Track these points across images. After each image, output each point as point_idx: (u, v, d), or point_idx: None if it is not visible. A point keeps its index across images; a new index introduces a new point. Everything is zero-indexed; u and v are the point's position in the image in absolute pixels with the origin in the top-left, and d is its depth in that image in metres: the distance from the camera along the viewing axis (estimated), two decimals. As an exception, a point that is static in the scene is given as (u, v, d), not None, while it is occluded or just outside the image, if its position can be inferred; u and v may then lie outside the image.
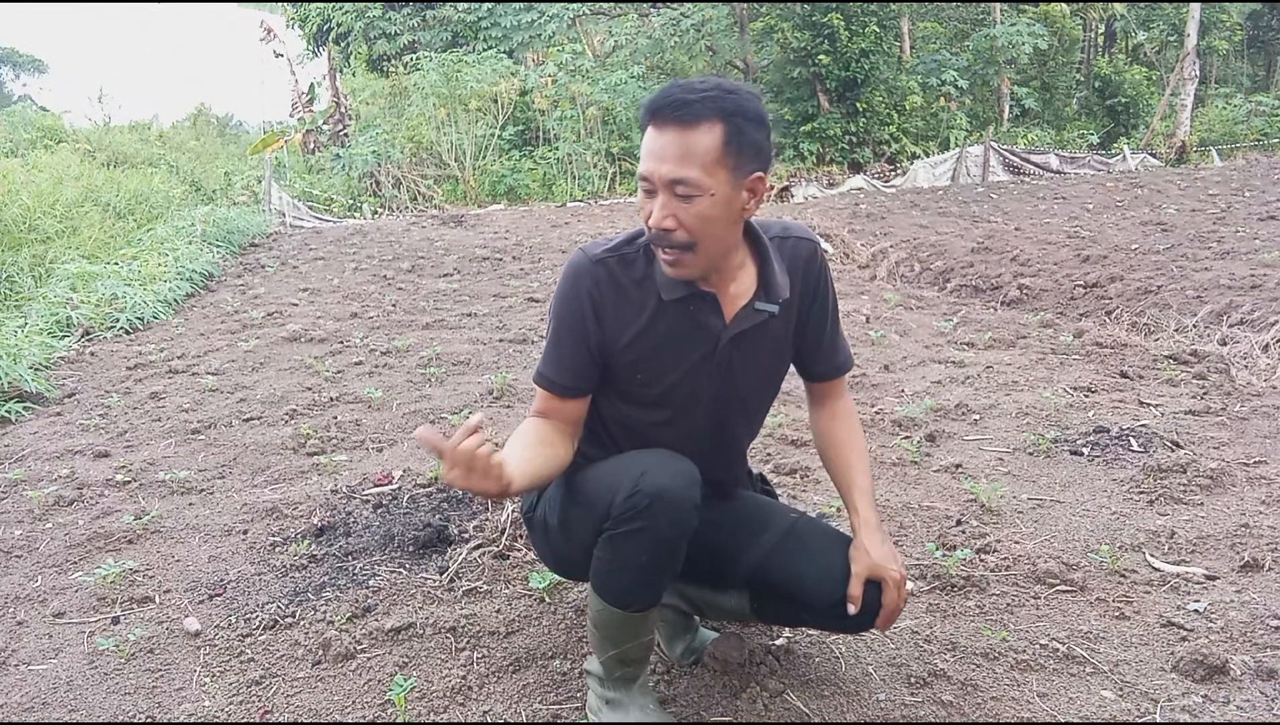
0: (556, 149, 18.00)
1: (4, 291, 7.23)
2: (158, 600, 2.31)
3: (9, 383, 4.31)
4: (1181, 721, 1.69)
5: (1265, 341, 4.80)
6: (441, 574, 2.35)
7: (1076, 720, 1.71)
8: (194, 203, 13.06)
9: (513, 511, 2.64)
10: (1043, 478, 2.96)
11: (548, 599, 2.20)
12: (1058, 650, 1.93)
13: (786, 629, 2.02)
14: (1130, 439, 3.20)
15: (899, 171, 17.32)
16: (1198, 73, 19.95)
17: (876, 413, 3.64)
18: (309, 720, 1.79)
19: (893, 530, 2.58)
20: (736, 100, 1.44)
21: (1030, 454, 3.17)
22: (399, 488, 2.99)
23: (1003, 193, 12.81)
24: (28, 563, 2.57)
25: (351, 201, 16.37)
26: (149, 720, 1.81)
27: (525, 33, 21.32)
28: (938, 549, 2.37)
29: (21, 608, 2.30)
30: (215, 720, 1.81)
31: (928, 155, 17.91)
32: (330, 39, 22.94)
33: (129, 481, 3.18)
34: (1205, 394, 3.82)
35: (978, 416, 3.61)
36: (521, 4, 21.57)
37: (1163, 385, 4.02)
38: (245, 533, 2.72)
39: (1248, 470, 2.90)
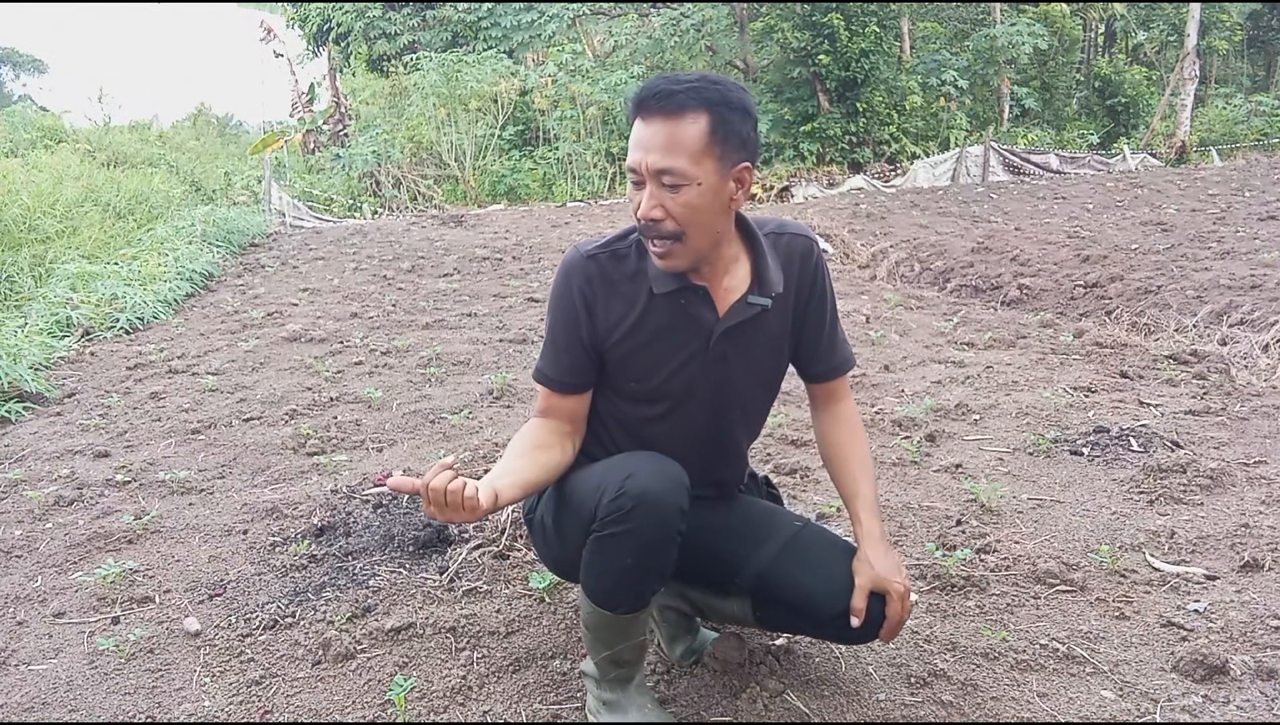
0: (556, 149, 18.00)
1: (4, 291, 7.23)
2: (158, 600, 2.31)
3: (9, 383, 4.31)
4: (1181, 721, 1.69)
5: (1265, 341, 4.80)
6: (441, 574, 2.35)
7: (1076, 720, 1.71)
8: (194, 203, 13.06)
9: (513, 511, 2.64)
10: (1043, 478, 2.96)
11: (548, 599, 2.20)
12: (1058, 650, 1.93)
13: (785, 632, 2.02)
14: (1130, 439, 3.20)
15: (899, 171, 17.32)
16: (1198, 73, 19.95)
17: (876, 413, 3.64)
18: (309, 720, 1.79)
19: (893, 530, 2.58)
20: (721, 91, 1.45)
21: (1030, 454, 3.17)
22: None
23: (1003, 193, 12.82)
24: (28, 563, 2.57)
25: (351, 201, 16.38)
26: (149, 720, 1.81)
27: (525, 33, 21.33)
28: (938, 549, 2.37)
29: (21, 608, 2.30)
30: (215, 720, 1.81)
31: (928, 155, 17.90)
32: (330, 39, 22.95)
33: (129, 481, 3.18)
34: (1205, 394, 3.82)
35: (978, 416, 3.61)
36: (521, 4, 21.57)
37: (1163, 385, 4.02)
38: (245, 533, 2.72)
39: (1248, 470, 2.90)
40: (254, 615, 2.20)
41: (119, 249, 8.64)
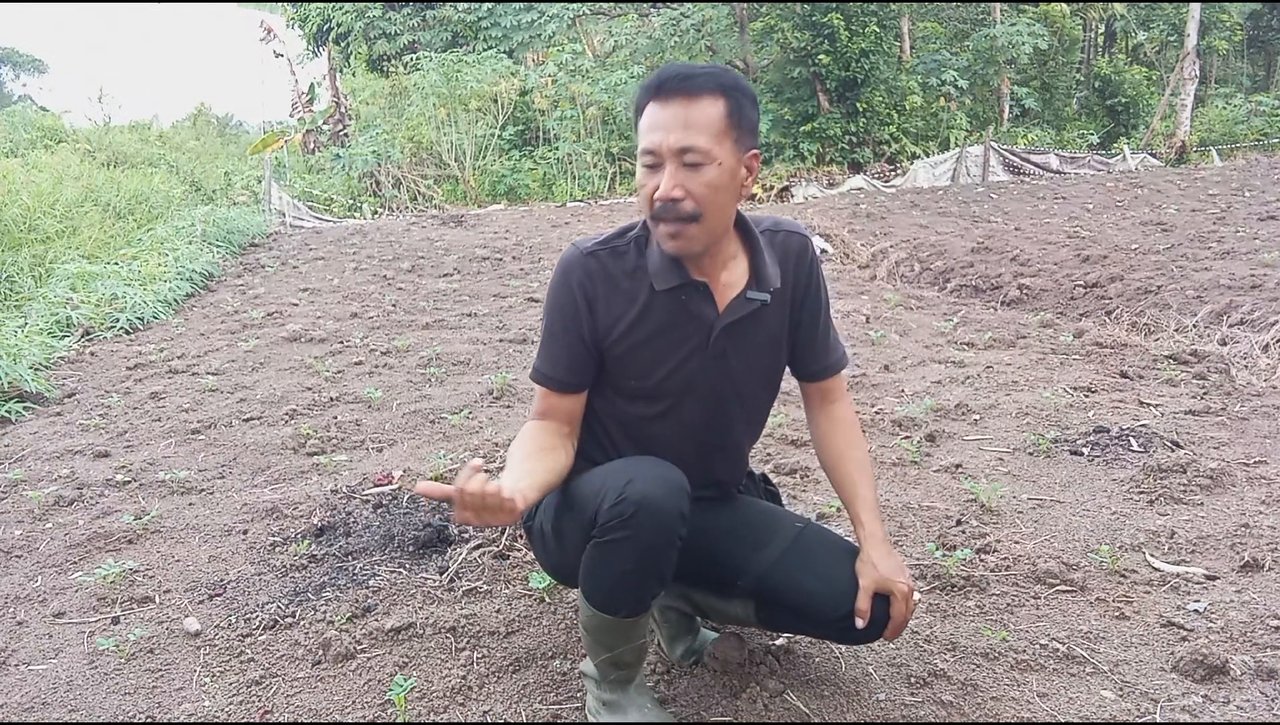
0: (556, 149, 18.00)
1: (4, 291, 7.22)
2: (158, 600, 2.31)
3: (9, 383, 4.31)
4: (1181, 721, 1.69)
5: (1265, 341, 4.80)
6: (441, 574, 2.35)
7: (1076, 720, 1.71)
8: (194, 203, 13.06)
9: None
10: (1043, 478, 2.96)
11: (548, 599, 2.20)
12: (1058, 650, 1.93)
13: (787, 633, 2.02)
14: (1130, 439, 3.20)
15: (899, 171, 17.32)
16: (1198, 73, 19.96)
17: (876, 413, 3.64)
18: (309, 720, 1.79)
19: (893, 530, 2.58)
20: (733, 77, 1.51)
21: (1030, 454, 3.17)
22: (399, 488, 2.99)
23: (1003, 193, 12.82)
24: (28, 563, 2.57)
25: (351, 201, 16.38)
26: (149, 720, 1.81)
27: (525, 33, 21.34)
28: (938, 549, 2.37)
29: (21, 608, 2.30)
30: (215, 720, 1.81)
31: (928, 155, 17.91)
32: (330, 39, 22.95)
33: (129, 481, 3.18)
34: (1205, 394, 3.82)
35: (978, 416, 3.61)
36: (521, 4, 21.57)
37: (1163, 385, 4.02)
38: (245, 533, 2.72)
39: (1248, 470, 2.90)
40: (254, 615, 2.19)
41: (119, 249, 8.64)
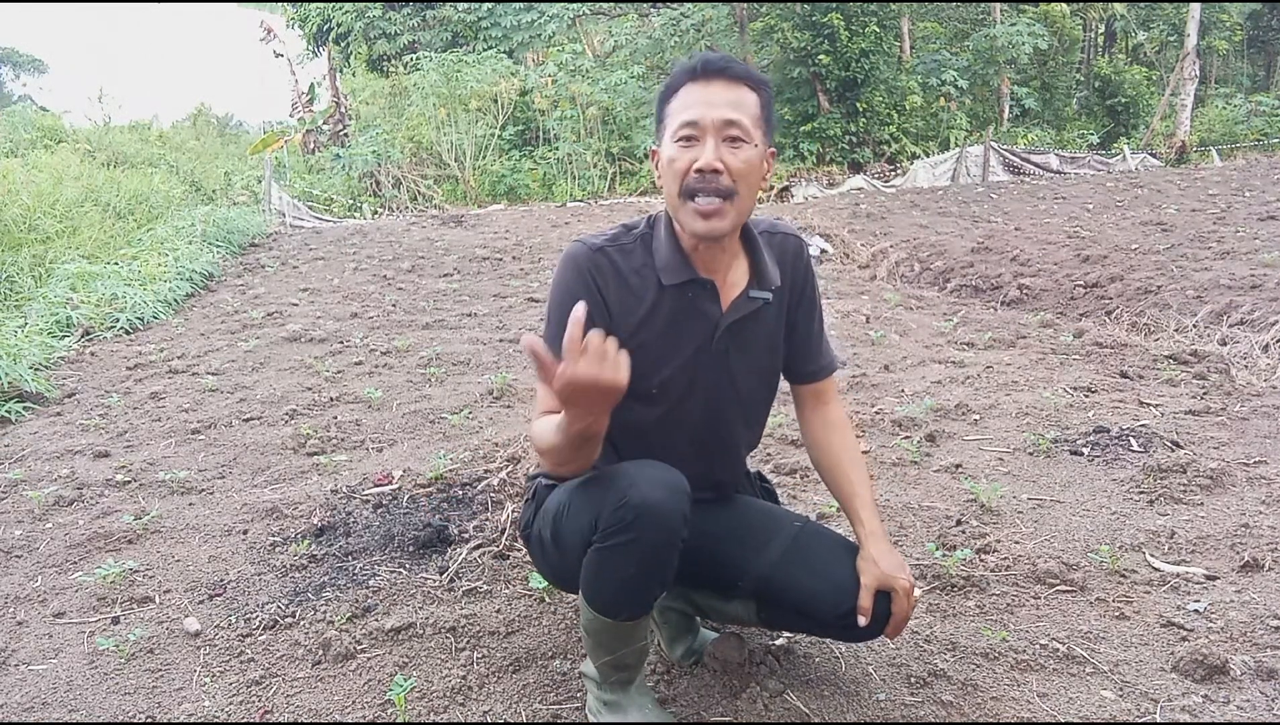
0: (556, 149, 18.00)
1: (4, 291, 7.22)
2: (158, 600, 2.31)
3: (9, 383, 4.31)
4: (1181, 721, 1.69)
5: (1265, 341, 4.80)
6: (441, 574, 2.35)
7: (1076, 720, 1.71)
8: (194, 203, 13.06)
9: (512, 512, 2.64)
10: (1043, 478, 2.96)
11: (548, 599, 2.20)
12: (1058, 650, 1.93)
13: (788, 631, 2.02)
14: (1130, 439, 3.20)
15: (899, 171, 17.32)
16: (1198, 73, 19.96)
17: (876, 413, 3.64)
18: (309, 720, 1.79)
19: (893, 530, 2.58)
20: (763, 76, 1.57)
21: (1030, 454, 3.17)
22: (399, 488, 2.99)
23: (1003, 193, 12.82)
24: (28, 563, 2.57)
25: (351, 201, 16.38)
26: (149, 720, 1.81)
27: (525, 33, 21.33)
28: (938, 549, 2.37)
29: (21, 608, 2.30)
30: (215, 720, 1.81)
31: (928, 155, 17.91)
32: (330, 39, 22.95)
33: (129, 481, 3.18)
34: (1205, 394, 3.82)
35: (978, 416, 3.61)
36: (521, 4, 21.57)
37: (1163, 385, 4.02)
38: (245, 533, 2.72)
39: (1248, 470, 2.90)
40: (254, 615, 2.19)
41: (119, 249, 8.64)
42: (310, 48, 25.04)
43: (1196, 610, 2.07)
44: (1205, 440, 3.22)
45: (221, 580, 2.41)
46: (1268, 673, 1.80)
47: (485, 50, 20.13)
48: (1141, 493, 2.78)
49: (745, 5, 18.82)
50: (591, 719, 1.72)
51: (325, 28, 23.24)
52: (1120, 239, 7.82)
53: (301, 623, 2.15)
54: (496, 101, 17.99)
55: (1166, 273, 6.33)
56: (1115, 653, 1.93)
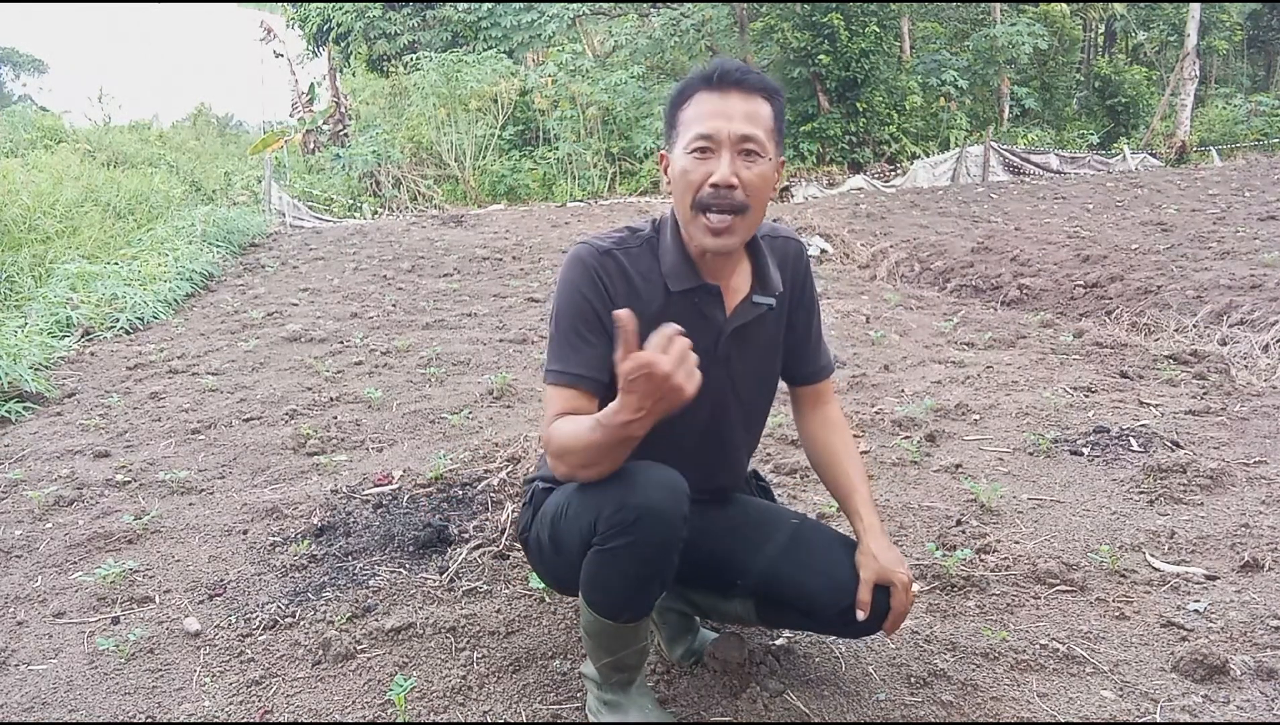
0: (556, 149, 18.00)
1: (4, 291, 7.22)
2: (158, 600, 2.31)
3: (9, 383, 4.31)
4: (1181, 721, 1.69)
5: (1265, 341, 4.80)
6: (441, 574, 2.35)
7: (1076, 720, 1.71)
8: (194, 203, 13.06)
9: (512, 512, 2.64)
10: (1043, 478, 2.96)
11: (548, 599, 2.20)
12: (1058, 650, 1.93)
13: (788, 629, 2.02)
14: (1130, 439, 3.20)
15: (899, 171, 17.32)
16: (1198, 73, 19.96)
17: (876, 413, 3.64)
18: (309, 720, 1.79)
19: (893, 530, 2.58)
20: (777, 84, 1.55)
21: (1030, 454, 3.17)
22: (399, 488, 2.99)
23: (1003, 193, 12.82)
24: (28, 563, 2.57)
25: (351, 201, 16.38)
26: (149, 720, 1.81)
27: (525, 33, 21.33)
28: (938, 549, 2.37)
29: (21, 608, 2.30)
30: (215, 720, 1.81)
31: (928, 155, 17.91)
32: (330, 39, 22.95)
33: (129, 481, 3.18)
34: (1205, 394, 3.82)
35: (978, 416, 3.61)
36: (521, 4, 21.57)
37: (1163, 385, 4.02)
38: (245, 533, 2.72)
39: (1248, 470, 2.90)
40: (254, 615, 2.19)
41: (119, 249, 8.64)
42: (310, 48, 25.04)
43: (1196, 610, 2.07)
44: (1205, 440, 3.22)
45: (221, 580, 2.41)
46: (1268, 673, 1.80)
47: (485, 50, 20.12)
48: (1141, 493, 2.78)
49: (745, 5, 18.82)
50: (591, 719, 1.72)
51: (325, 28, 23.24)
52: (1120, 239, 7.81)
53: (301, 623, 2.15)
54: (496, 101, 17.99)
55: (1166, 273, 6.33)
56: (1115, 653, 1.93)
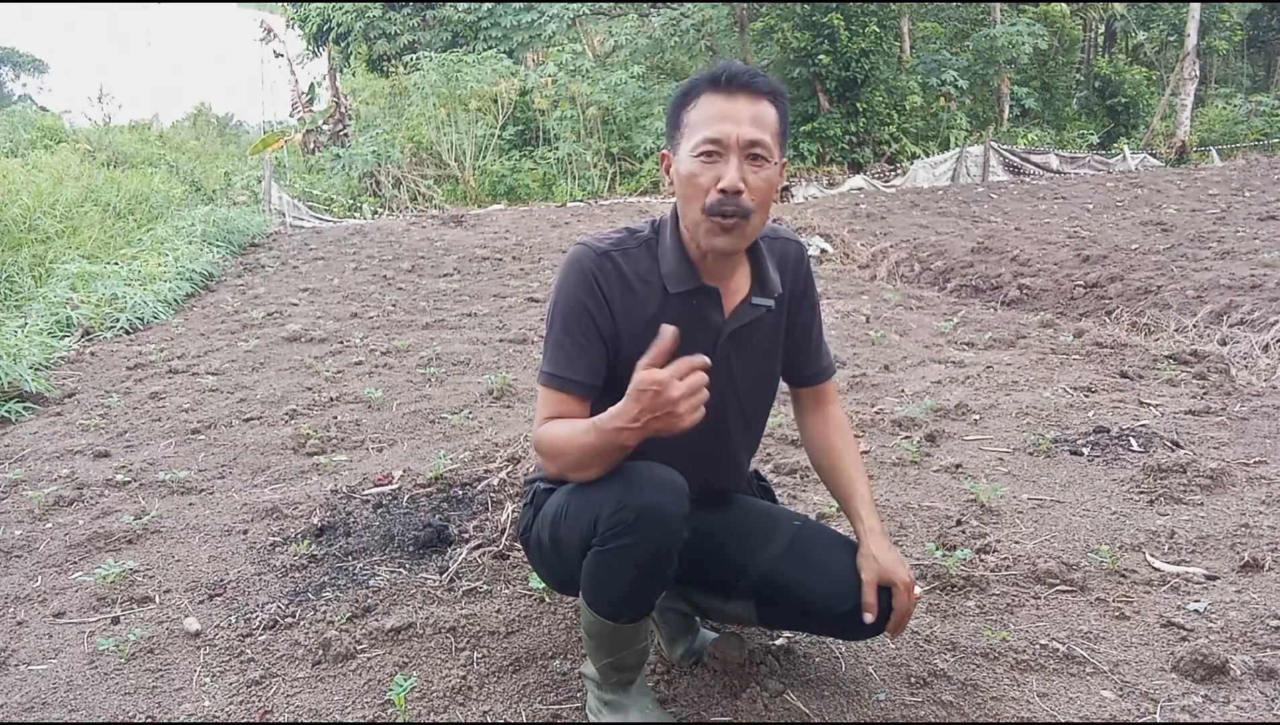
0: (556, 149, 18.00)
1: (4, 291, 7.22)
2: (158, 600, 2.31)
3: (9, 383, 4.31)
4: (1181, 721, 1.69)
5: (1265, 341, 4.80)
6: (441, 574, 2.35)
7: (1076, 720, 1.71)
8: (194, 203, 13.06)
9: (512, 512, 2.64)
10: (1043, 478, 2.96)
11: (548, 599, 2.20)
12: (1058, 650, 1.93)
13: (788, 630, 2.02)
14: (1130, 439, 3.20)
15: (899, 171, 17.32)
16: (1198, 73, 19.95)
17: (876, 413, 3.64)
18: (309, 720, 1.79)
19: (893, 530, 2.58)
20: (782, 87, 1.54)
21: (1030, 454, 3.17)
22: (399, 488, 2.99)
23: (1003, 193, 12.82)
24: (28, 563, 2.57)
25: (351, 201, 16.37)
26: (149, 720, 1.81)
27: (525, 33, 21.33)
28: (938, 549, 2.37)
29: (21, 608, 2.30)
30: (215, 720, 1.81)
31: (928, 155, 17.90)
32: (330, 39, 22.95)
33: (129, 481, 3.18)
34: (1205, 394, 3.82)
35: (978, 416, 3.61)
36: (521, 4, 21.57)
37: (1163, 385, 4.02)
38: (245, 533, 2.72)
39: (1248, 470, 2.90)
40: (254, 615, 2.19)
41: (119, 249, 8.64)
42: (310, 48, 25.04)
43: (1196, 610, 2.07)
44: (1205, 440, 3.22)
45: (221, 580, 2.41)
46: (1268, 673, 1.80)
47: (485, 50, 20.12)
48: (1141, 493, 2.78)
49: (745, 5, 18.81)
50: (592, 719, 1.72)
51: (325, 28, 23.24)
52: (1120, 239, 7.81)
53: (301, 623, 2.15)
54: (496, 101, 17.98)
55: (1166, 273, 6.33)
56: (1115, 653, 1.93)
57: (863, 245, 9.54)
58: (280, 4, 24.02)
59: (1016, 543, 2.44)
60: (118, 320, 6.02)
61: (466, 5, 21.91)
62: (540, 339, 5.28)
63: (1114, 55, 26.85)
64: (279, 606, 2.22)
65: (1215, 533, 2.47)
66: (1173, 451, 3.06)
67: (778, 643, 1.97)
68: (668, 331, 1.33)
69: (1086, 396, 3.84)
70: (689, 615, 1.93)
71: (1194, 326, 5.35)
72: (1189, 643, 1.91)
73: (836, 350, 4.76)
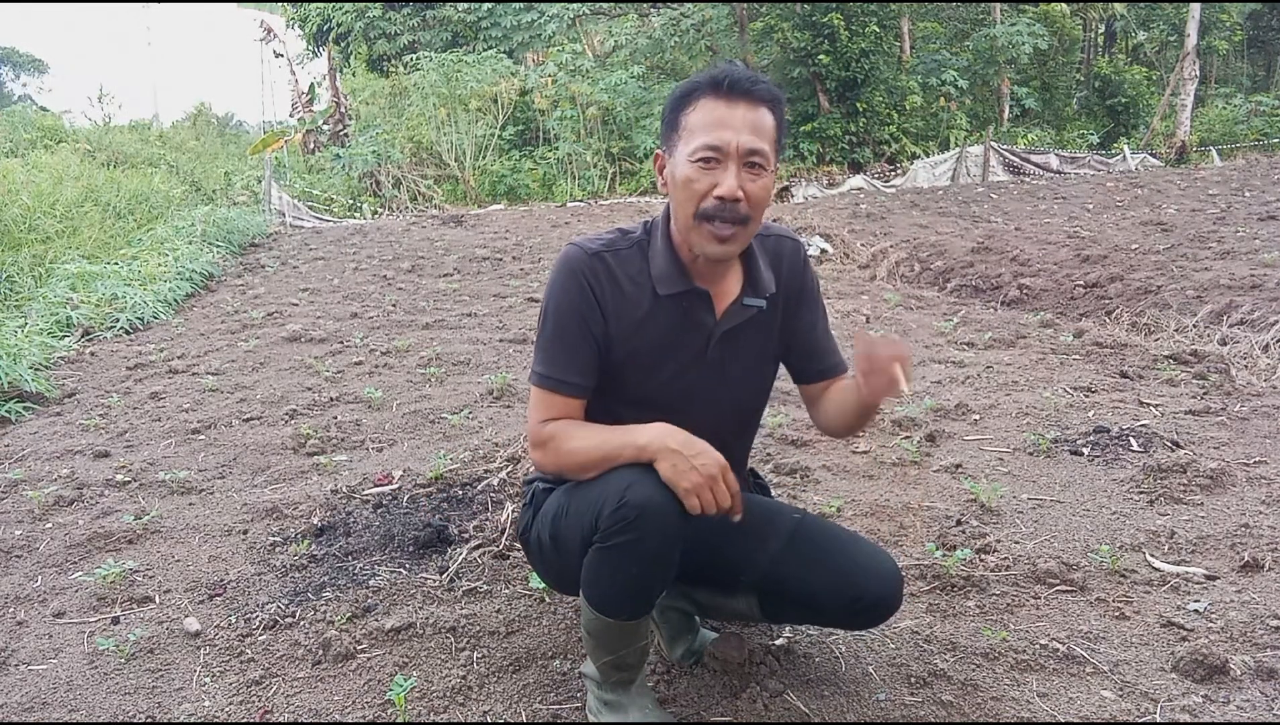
0: (556, 149, 18.00)
1: (4, 291, 7.22)
2: (158, 600, 2.31)
3: (9, 383, 4.31)
4: (1181, 721, 1.69)
5: (1265, 341, 4.79)
6: (441, 574, 2.35)
7: (1076, 720, 1.71)
8: (194, 203, 13.07)
9: (512, 512, 2.64)
10: (1043, 478, 2.96)
11: (548, 599, 2.20)
12: (1058, 650, 1.93)
13: (786, 629, 2.02)
14: (1130, 439, 3.20)
15: (899, 171, 17.32)
16: (1198, 73, 19.94)
17: (876, 413, 3.63)
18: (309, 720, 1.79)
19: (893, 530, 2.58)
20: (781, 93, 1.54)
21: (1030, 454, 3.17)
22: (399, 488, 2.99)
23: (1003, 193, 12.81)
24: (28, 563, 2.57)
25: (351, 201, 16.37)
26: (149, 720, 1.81)
27: (525, 33, 21.34)
28: (938, 549, 2.37)
29: (21, 608, 2.30)
30: (215, 720, 1.81)
31: (928, 155, 17.90)
32: (330, 39, 22.95)
33: (129, 481, 3.18)
34: (1205, 394, 3.82)
35: (978, 416, 3.61)
36: (521, 4, 21.57)
37: (1163, 385, 4.02)
38: (245, 533, 2.72)
39: (1248, 470, 2.90)
40: (254, 615, 2.19)
41: (119, 249, 8.65)
42: (310, 48, 25.05)
43: (1196, 610, 2.07)
44: (1205, 440, 3.22)
45: (221, 580, 2.41)
46: (1268, 673, 1.80)
47: (485, 50, 20.12)
48: (1141, 493, 2.78)
49: (745, 5, 18.81)
50: (592, 719, 1.72)
51: (325, 28, 23.25)
52: (1120, 239, 7.81)
53: (301, 623, 2.15)
54: (496, 101, 17.99)
55: (1166, 273, 6.32)
56: (1115, 653, 1.93)
57: (863, 245, 9.53)
58: (280, 4, 24.02)
59: (1016, 543, 2.44)
60: (118, 320, 6.02)
61: (466, 5, 21.91)
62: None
63: (1114, 55, 26.85)
64: (279, 606, 2.22)
65: (1215, 533, 2.47)
66: (1173, 451, 3.06)
67: (778, 643, 1.97)
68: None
69: (1086, 396, 3.84)
70: (689, 615, 1.93)
71: (1194, 326, 5.34)
72: (1189, 643, 1.91)
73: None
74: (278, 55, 24.30)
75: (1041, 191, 12.52)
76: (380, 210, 15.94)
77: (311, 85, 23.86)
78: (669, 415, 1.64)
